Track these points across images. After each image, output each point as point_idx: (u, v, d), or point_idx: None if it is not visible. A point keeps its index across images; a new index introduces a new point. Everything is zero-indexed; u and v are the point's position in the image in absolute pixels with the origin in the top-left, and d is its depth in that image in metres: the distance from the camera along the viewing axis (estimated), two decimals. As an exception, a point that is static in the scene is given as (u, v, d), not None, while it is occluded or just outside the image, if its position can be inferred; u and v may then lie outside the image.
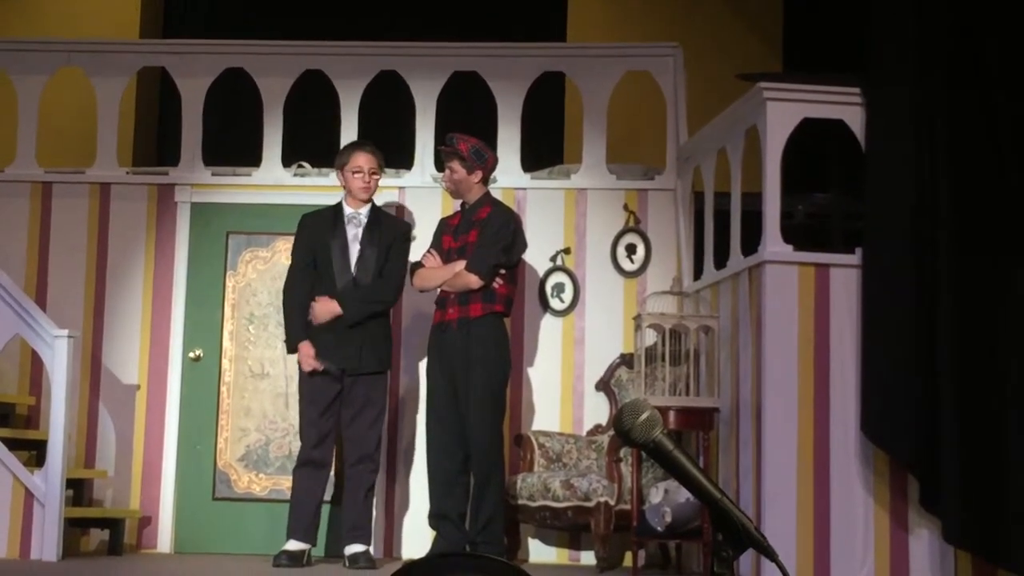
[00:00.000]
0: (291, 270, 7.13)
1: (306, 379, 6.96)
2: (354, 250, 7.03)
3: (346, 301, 6.93)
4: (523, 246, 7.16)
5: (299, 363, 6.97)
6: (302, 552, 6.84)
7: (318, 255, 7.03)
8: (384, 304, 7.08)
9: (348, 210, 7.09)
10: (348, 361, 6.93)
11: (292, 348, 7.01)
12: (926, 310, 6.17)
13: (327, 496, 7.23)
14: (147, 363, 7.90)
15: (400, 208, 7.95)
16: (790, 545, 6.22)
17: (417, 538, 7.54)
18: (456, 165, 7.10)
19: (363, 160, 7.07)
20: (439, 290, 7.10)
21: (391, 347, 7.19)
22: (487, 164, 7.14)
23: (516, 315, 7.70)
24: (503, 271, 7.00)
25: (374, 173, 7.09)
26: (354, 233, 7.06)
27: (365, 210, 7.11)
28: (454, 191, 7.22)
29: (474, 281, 6.92)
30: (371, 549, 6.94)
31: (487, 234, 7.00)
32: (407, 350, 7.76)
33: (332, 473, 7.19)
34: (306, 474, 6.93)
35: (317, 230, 7.06)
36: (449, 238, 7.16)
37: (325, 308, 6.94)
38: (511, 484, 7.18)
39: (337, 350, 6.91)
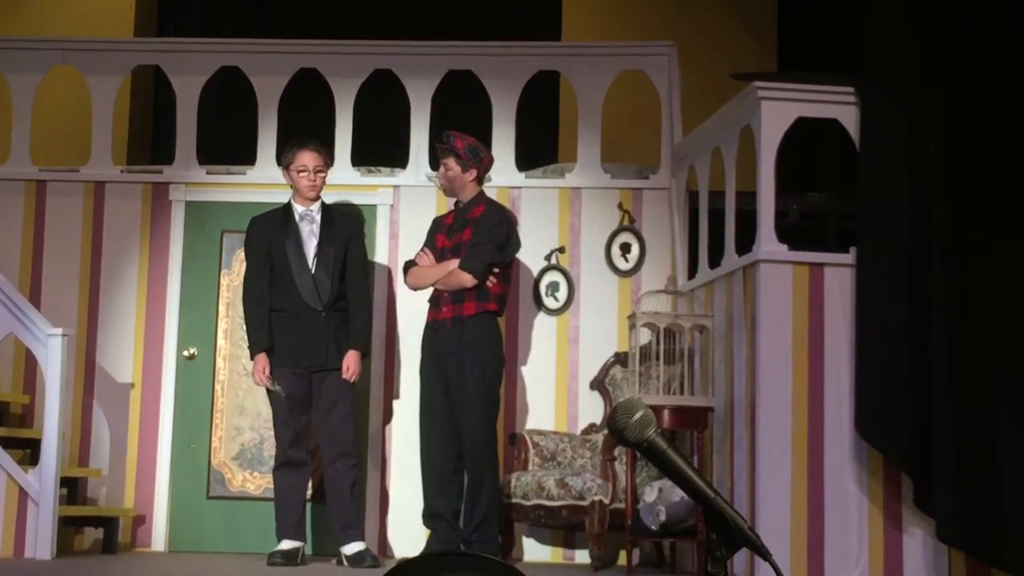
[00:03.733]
0: (247, 274, 7.14)
1: (275, 380, 6.94)
2: (310, 247, 7.02)
3: (357, 340, 6.95)
4: (517, 245, 7.16)
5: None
6: (295, 550, 6.85)
7: (273, 255, 7.01)
8: (370, 311, 7.16)
9: (300, 208, 7.08)
10: (315, 358, 6.93)
11: (253, 354, 7.00)
12: (920, 310, 6.17)
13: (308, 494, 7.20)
14: (141, 362, 7.90)
15: (392, 208, 7.95)
16: (784, 544, 6.22)
17: (411, 537, 7.53)
18: (451, 162, 7.10)
19: (307, 159, 7.05)
20: (432, 288, 7.10)
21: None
22: (482, 163, 7.14)
23: (511, 314, 7.70)
24: (496, 270, 7.00)
25: (319, 171, 7.06)
26: (309, 230, 7.05)
27: (316, 207, 7.10)
28: (448, 188, 7.22)
29: (468, 280, 6.93)
30: (369, 546, 6.96)
31: (481, 232, 7.00)
32: (402, 348, 7.76)
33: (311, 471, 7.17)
34: (286, 474, 6.94)
35: (268, 230, 7.06)
36: (443, 237, 7.16)
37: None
38: (505, 483, 7.18)
39: (304, 349, 6.92)
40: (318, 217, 7.08)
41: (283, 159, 7.20)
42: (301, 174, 7.05)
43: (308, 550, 7.31)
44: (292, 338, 6.94)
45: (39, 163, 8.18)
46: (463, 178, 7.12)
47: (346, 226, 7.16)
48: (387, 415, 7.77)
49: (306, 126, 8.19)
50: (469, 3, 10.31)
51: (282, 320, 6.97)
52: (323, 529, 7.32)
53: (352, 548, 6.85)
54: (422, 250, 7.19)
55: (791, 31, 10.05)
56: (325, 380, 6.94)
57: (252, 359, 7.00)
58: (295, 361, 6.94)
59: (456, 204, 7.25)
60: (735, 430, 6.67)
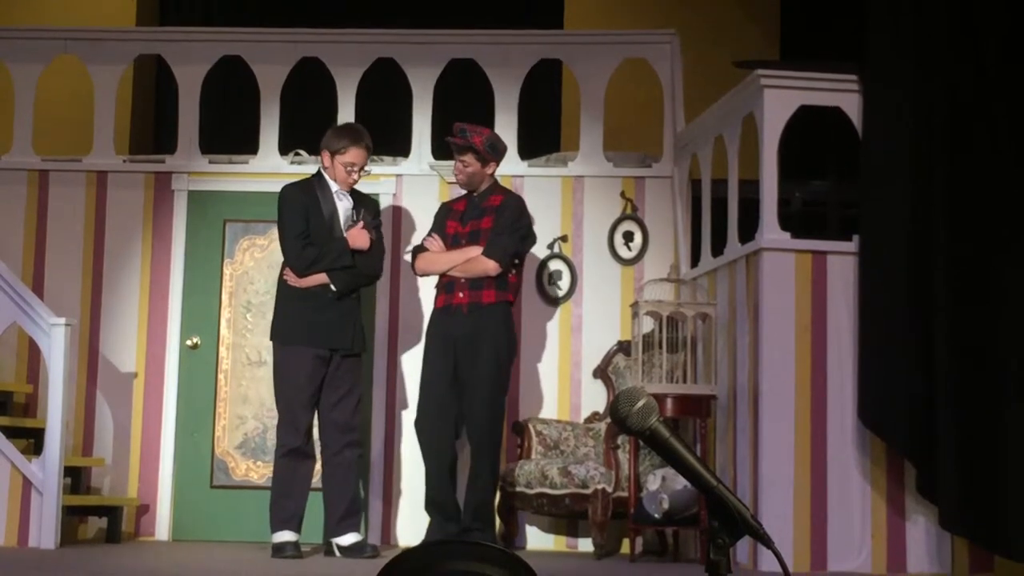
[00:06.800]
0: (294, 242, 6.81)
1: (294, 362, 6.73)
2: (345, 222, 6.89)
3: (336, 272, 6.76)
4: (535, 237, 7.12)
5: (354, 245, 6.78)
6: (298, 542, 6.72)
7: (310, 225, 6.84)
8: (370, 278, 6.99)
9: (334, 186, 6.90)
10: (341, 340, 6.76)
11: (346, 251, 6.76)
12: (923, 297, 6.18)
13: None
14: (145, 351, 7.90)
15: (395, 197, 7.95)
16: (787, 532, 6.23)
17: (414, 525, 7.54)
18: (470, 159, 6.98)
19: (357, 156, 6.85)
20: (442, 274, 7.02)
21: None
22: (501, 155, 7.05)
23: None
24: (517, 260, 6.95)
25: (363, 168, 6.92)
26: (344, 207, 6.90)
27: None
28: (466, 183, 7.05)
29: (492, 267, 6.85)
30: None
31: (504, 221, 6.90)
32: (407, 335, 7.76)
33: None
34: (297, 462, 6.73)
35: (306, 200, 6.86)
36: (455, 223, 7.06)
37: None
38: (509, 471, 7.18)
39: (328, 330, 6.75)
40: (349, 197, 6.93)
41: (330, 143, 6.89)
42: (348, 171, 6.84)
43: (319, 539, 7.29)
44: (317, 318, 6.74)
45: (41, 153, 8.18)
46: (483, 172, 7.00)
47: (369, 207, 7.02)
48: (391, 403, 7.78)
49: (308, 115, 8.20)
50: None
51: (308, 299, 6.76)
52: (307, 519, 7.14)
53: (349, 539, 6.73)
54: (431, 235, 7.10)
55: (794, 19, 10.04)
56: (343, 364, 6.78)
57: (349, 256, 6.78)
58: (319, 341, 6.72)
59: (469, 191, 7.16)
60: (738, 418, 6.67)
